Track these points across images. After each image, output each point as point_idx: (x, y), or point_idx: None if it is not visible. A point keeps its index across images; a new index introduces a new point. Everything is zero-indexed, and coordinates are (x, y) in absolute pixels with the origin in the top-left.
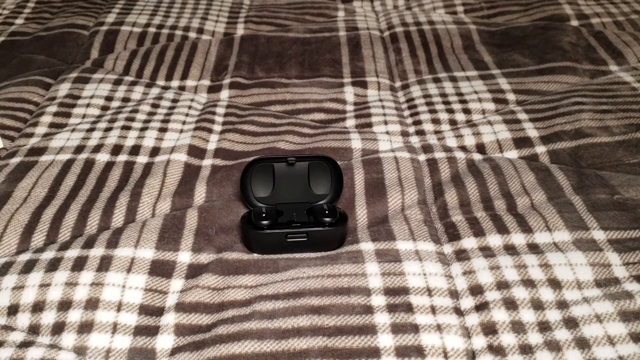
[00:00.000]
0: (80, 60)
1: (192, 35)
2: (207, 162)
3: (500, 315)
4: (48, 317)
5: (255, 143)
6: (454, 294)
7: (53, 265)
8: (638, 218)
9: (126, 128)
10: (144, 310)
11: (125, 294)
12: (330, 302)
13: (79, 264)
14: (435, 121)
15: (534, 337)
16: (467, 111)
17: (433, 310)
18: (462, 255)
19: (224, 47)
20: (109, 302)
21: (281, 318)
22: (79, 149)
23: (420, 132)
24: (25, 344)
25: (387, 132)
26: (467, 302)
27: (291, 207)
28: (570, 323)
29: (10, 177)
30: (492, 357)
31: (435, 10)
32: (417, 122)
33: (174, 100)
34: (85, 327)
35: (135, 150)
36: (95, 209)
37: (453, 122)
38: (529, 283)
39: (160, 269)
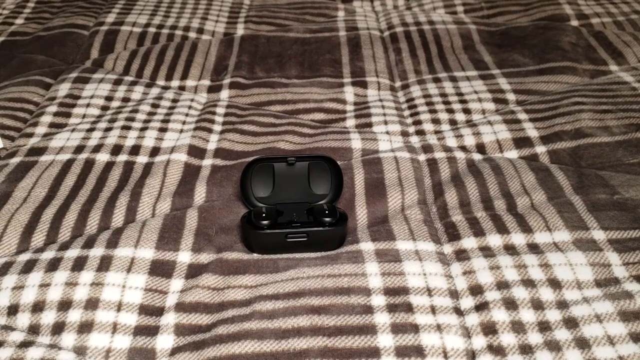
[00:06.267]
0: (80, 60)
1: (192, 35)
2: (207, 162)
3: (500, 315)
4: (48, 317)
5: (255, 143)
6: (454, 294)
7: (53, 265)
8: (638, 218)
9: (126, 128)
10: (144, 310)
11: (125, 294)
12: (330, 302)
13: (79, 264)
14: (435, 121)
15: (534, 337)
16: (467, 111)
17: (433, 310)
18: (462, 255)
19: (224, 47)
20: (109, 302)
21: (281, 318)
22: (79, 149)
23: (420, 132)
24: (25, 344)
25: (387, 132)
26: (467, 302)
27: (291, 207)
28: (570, 323)
29: (10, 177)
30: (492, 357)
31: (435, 10)
32: (417, 122)
33: (174, 100)
34: (85, 327)
35: (135, 150)
36: (95, 209)
37: (453, 122)
38: (529, 283)
39: (160, 269)
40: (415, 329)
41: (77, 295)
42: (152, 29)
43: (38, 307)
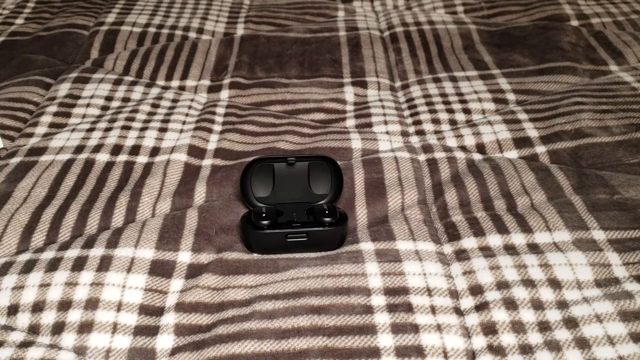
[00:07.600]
0: (80, 60)
1: (192, 35)
2: (207, 162)
3: (500, 315)
4: (48, 317)
5: (255, 143)
6: (454, 294)
7: (53, 265)
8: (638, 218)
9: (126, 128)
10: (144, 310)
11: (125, 294)
12: (330, 302)
13: (79, 264)
14: (435, 121)
15: (534, 337)
16: (467, 111)
17: (433, 310)
18: (462, 255)
19: (224, 47)
20: (109, 302)
21: (281, 318)
22: (79, 149)
23: (420, 132)
24: (25, 344)
25: (387, 132)
26: (467, 302)
27: (291, 207)
28: (570, 323)
29: (10, 177)
30: (492, 357)
31: (435, 10)
32: (417, 122)
33: (174, 100)
34: (85, 327)
35: (135, 150)
36: (95, 209)
37: (453, 122)
38: (529, 283)
39: (160, 269)
40: (415, 329)
41: (77, 295)
42: (152, 29)
43: (38, 307)
